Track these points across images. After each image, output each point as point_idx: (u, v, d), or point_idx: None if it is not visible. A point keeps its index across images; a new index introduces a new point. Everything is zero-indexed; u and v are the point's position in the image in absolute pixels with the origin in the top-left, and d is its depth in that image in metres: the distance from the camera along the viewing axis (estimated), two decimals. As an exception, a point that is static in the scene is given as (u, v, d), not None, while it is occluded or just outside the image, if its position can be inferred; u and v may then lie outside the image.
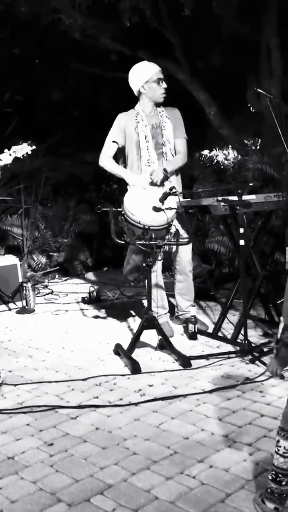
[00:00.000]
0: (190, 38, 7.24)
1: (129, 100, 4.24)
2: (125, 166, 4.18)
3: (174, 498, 2.15)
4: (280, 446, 1.98)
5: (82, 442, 2.62)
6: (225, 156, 9.14)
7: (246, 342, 3.60)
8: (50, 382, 3.34)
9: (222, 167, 7.45)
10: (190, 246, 4.15)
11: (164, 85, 4.05)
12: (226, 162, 8.30)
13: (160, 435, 2.66)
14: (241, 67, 7.57)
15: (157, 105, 4.12)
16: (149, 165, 4.04)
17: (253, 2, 6.32)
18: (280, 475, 1.97)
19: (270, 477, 2.01)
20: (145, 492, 2.20)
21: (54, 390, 3.22)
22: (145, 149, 4.06)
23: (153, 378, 3.36)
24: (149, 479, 2.29)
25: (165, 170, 3.99)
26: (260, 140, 7.61)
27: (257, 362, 3.48)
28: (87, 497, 2.18)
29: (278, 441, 1.99)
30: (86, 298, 5.25)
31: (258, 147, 7.27)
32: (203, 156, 8.62)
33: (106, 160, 4.15)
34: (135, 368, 3.45)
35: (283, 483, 1.97)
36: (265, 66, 6.91)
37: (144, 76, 4.03)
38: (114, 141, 4.13)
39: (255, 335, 4.06)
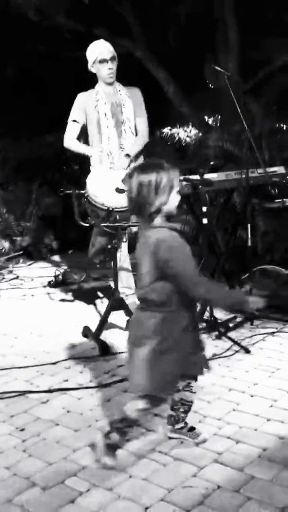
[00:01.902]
0: (146, 15, 7.16)
1: (89, 78, 4.20)
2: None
3: (147, 475, 2.20)
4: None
5: (54, 425, 2.64)
6: (187, 133, 9.14)
7: (212, 318, 3.66)
8: (19, 367, 3.33)
9: (183, 144, 7.46)
10: None
11: (110, 65, 4.01)
12: (187, 139, 8.31)
13: (131, 414, 2.70)
14: (199, 44, 7.55)
15: (111, 83, 4.08)
16: (109, 143, 4.04)
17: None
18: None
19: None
20: (119, 471, 2.24)
21: (23, 375, 3.22)
22: (105, 127, 4.06)
23: (122, 359, 3.39)
24: (122, 458, 2.32)
25: (127, 155, 3.99)
26: (220, 116, 7.64)
27: (223, 337, 3.55)
28: (61, 480, 2.20)
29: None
30: (52, 282, 5.23)
31: (218, 124, 7.30)
32: (164, 133, 8.61)
33: (70, 141, 4.14)
34: (104, 350, 3.47)
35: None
36: (222, 42, 6.91)
37: (91, 56, 4.05)
38: (75, 121, 4.12)
39: (220, 311, 4.12)
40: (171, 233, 2.15)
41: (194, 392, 2.40)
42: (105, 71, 4.03)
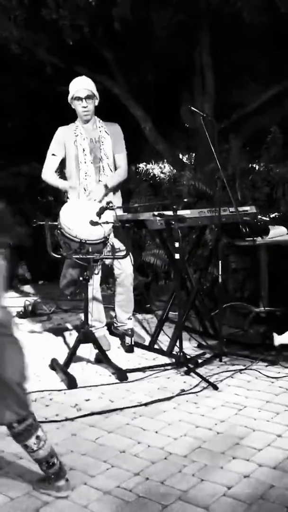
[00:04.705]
0: (125, 54, 7.33)
1: (68, 112, 4.27)
2: (64, 178, 4.21)
3: (111, 512, 2.17)
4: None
5: (18, 459, 2.58)
6: (161, 169, 9.28)
7: (181, 354, 3.67)
8: (-16, 399, 3.26)
9: (158, 180, 7.57)
10: (130, 259, 4.20)
11: (84, 104, 4.06)
12: (162, 175, 8.44)
13: (97, 449, 2.67)
14: (176, 83, 7.74)
15: (87, 121, 4.14)
16: (86, 179, 4.07)
17: (187, 21, 6.49)
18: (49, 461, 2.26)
19: (45, 467, 2.26)
20: (83, 507, 2.20)
21: (-12, 407, 3.15)
22: (83, 162, 4.09)
23: (90, 393, 3.36)
24: (86, 494, 2.29)
25: (105, 186, 4.03)
26: (194, 155, 7.80)
27: (191, 373, 3.55)
28: (23, 516, 2.15)
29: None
30: (21, 312, 5.17)
31: (192, 162, 7.45)
32: (139, 169, 8.73)
33: (47, 174, 4.16)
34: (71, 383, 3.44)
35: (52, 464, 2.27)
36: (199, 83, 7.11)
37: (70, 92, 4.11)
38: (54, 155, 4.15)
39: (190, 347, 4.14)
40: None
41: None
42: (80, 109, 4.10)
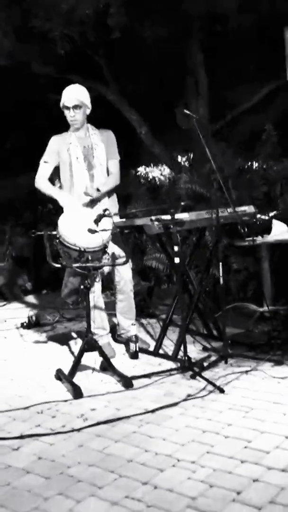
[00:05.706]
0: (118, 60, 7.34)
1: (62, 120, 4.27)
2: (60, 186, 4.21)
3: (120, 523, 2.15)
4: None
5: (25, 473, 2.57)
6: (161, 172, 9.27)
7: (186, 358, 3.65)
8: (-10, 413, 3.26)
9: (158, 183, 7.56)
10: (129, 265, 4.19)
11: (72, 113, 4.08)
12: (161, 177, 8.43)
13: (104, 459, 2.65)
14: (170, 85, 7.74)
15: (77, 129, 4.13)
16: (80, 186, 4.08)
17: (177, 23, 6.48)
18: None
19: None
20: (91, 520, 2.18)
21: (-6, 421, 3.15)
22: (77, 170, 4.10)
23: (96, 402, 3.34)
24: (94, 506, 2.27)
25: (98, 189, 4.03)
26: (191, 155, 7.79)
27: (197, 377, 3.53)
28: (31, 531, 2.13)
29: None
30: (25, 323, 5.17)
31: (190, 163, 7.43)
32: (139, 172, 8.73)
33: (40, 181, 4.16)
34: (77, 393, 3.42)
35: None
36: (192, 84, 7.10)
37: (61, 101, 4.12)
38: (47, 162, 4.16)
39: (194, 350, 4.12)
40: None
41: None
42: (68, 117, 4.12)
